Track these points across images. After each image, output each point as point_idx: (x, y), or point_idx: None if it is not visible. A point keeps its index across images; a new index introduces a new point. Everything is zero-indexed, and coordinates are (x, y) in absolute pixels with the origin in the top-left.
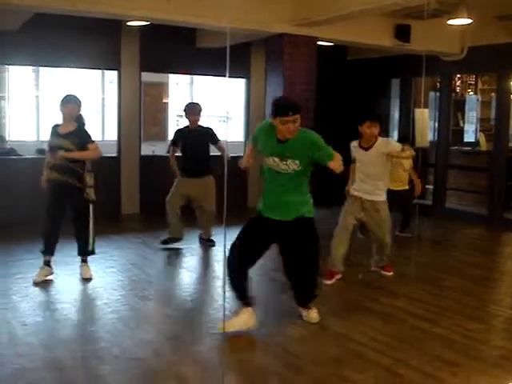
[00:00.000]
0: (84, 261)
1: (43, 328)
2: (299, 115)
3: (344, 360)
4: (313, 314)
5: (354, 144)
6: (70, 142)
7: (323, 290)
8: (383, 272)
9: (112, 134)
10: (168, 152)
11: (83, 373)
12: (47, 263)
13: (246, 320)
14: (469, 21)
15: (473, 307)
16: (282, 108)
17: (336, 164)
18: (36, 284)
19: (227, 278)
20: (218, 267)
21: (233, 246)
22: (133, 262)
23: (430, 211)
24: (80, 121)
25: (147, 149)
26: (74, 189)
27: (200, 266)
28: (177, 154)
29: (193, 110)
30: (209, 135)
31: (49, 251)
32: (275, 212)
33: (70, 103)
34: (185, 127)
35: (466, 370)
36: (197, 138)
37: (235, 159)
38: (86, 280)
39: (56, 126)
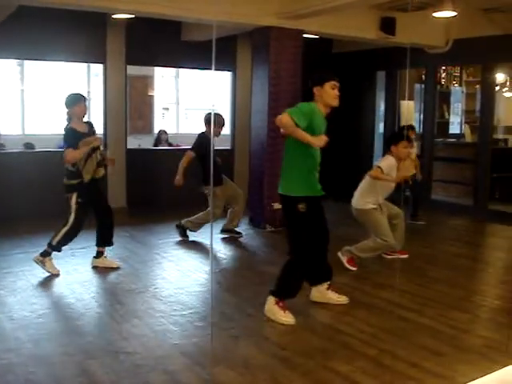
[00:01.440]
0: (102, 253)
1: (31, 322)
2: None
3: (331, 351)
4: (333, 294)
5: (394, 164)
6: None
7: None
8: (400, 255)
9: (98, 128)
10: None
11: (70, 367)
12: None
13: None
14: (454, 13)
15: (457, 297)
16: (329, 73)
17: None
18: (57, 275)
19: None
20: (206, 260)
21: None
22: (120, 256)
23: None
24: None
25: (133, 142)
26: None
27: (187, 259)
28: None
29: (222, 122)
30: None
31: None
32: (318, 188)
33: (83, 102)
34: (206, 137)
35: (450, 359)
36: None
37: (221, 152)
38: (115, 269)
39: (71, 127)
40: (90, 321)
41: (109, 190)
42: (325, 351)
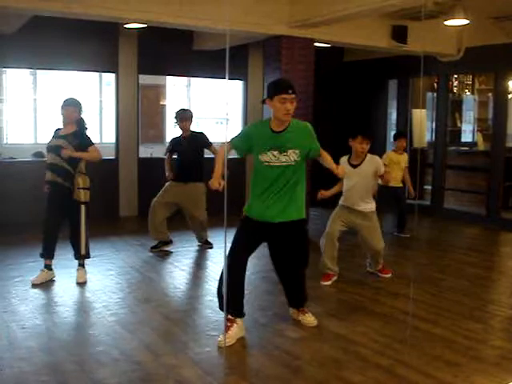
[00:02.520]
0: (81, 264)
1: (42, 331)
2: (296, 98)
3: (343, 361)
4: (309, 317)
5: (344, 160)
6: (66, 142)
7: (323, 291)
8: (381, 275)
9: (110, 137)
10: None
11: (82, 376)
12: (48, 266)
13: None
14: (465, 21)
15: (472, 307)
16: (281, 86)
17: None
18: (34, 286)
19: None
20: (217, 269)
21: (231, 253)
22: (131, 265)
23: (429, 211)
24: (81, 124)
25: (145, 151)
26: (65, 190)
27: (199, 268)
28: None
29: (184, 116)
30: (201, 140)
31: (48, 254)
32: (268, 213)
33: (70, 106)
34: (179, 136)
35: (465, 370)
36: (189, 145)
37: (233, 161)
38: (80, 284)
39: (58, 130)
40: (102, 330)
41: (120, 199)
42: (337, 361)
